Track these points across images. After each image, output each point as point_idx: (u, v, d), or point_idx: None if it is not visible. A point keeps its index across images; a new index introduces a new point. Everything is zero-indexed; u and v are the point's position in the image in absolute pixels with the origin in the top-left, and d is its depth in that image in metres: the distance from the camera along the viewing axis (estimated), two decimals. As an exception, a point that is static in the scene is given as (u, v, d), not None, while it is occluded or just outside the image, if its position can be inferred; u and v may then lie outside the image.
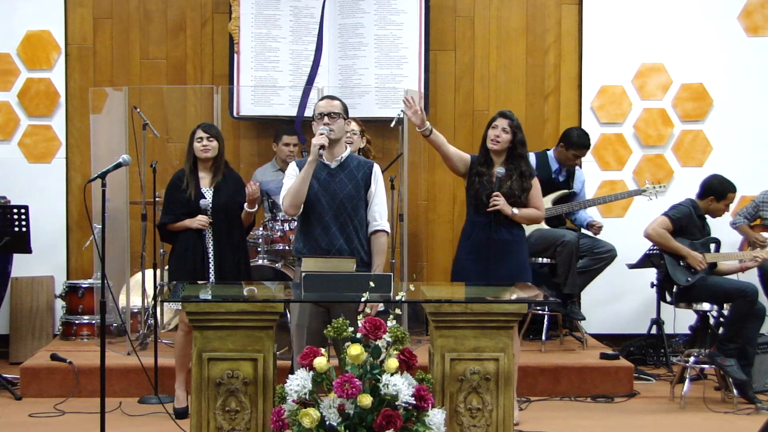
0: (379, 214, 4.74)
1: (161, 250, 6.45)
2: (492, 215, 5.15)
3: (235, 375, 3.91)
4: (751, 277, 6.55)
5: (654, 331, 6.97)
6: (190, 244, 5.42)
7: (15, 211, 6.15)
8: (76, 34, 7.39)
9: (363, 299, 3.92)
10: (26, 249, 6.24)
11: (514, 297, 4.61)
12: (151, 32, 7.44)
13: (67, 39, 7.38)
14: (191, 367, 4.01)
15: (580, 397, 6.13)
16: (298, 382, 3.70)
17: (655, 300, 6.85)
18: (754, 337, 5.95)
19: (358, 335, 3.76)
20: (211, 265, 5.43)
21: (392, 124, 5.65)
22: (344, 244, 4.63)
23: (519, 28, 7.56)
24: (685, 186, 6.79)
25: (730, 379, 5.87)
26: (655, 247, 6.42)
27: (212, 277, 5.40)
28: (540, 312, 6.66)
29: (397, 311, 3.89)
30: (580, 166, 7.04)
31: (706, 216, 6.22)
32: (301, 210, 4.66)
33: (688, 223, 6.10)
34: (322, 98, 4.84)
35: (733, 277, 6.27)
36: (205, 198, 5.44)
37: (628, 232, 6.96)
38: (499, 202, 5.12)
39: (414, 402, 3.68)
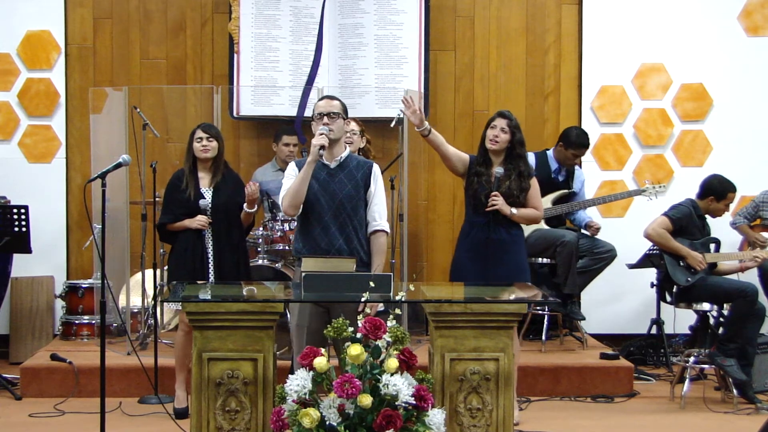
0: (379, 214, 4.74)
1: (161, 250, 6.45)
2: (490, 215, 5.15)
3: (235, 375, 3.91)
4: (751, 277, 6.55)
5: (654, 331, 6.98)
6: (190, 245, 5.42)
7: (15, 211, 6.15)
8: (76, 34, 7.39)
9: (363, 299, 3.92)
10: (26, 249, 6.24)
11: (513, 297, 4.62)
12: (151, 32, 7.44)
13: (67, 39, 7.38)
14: (191, 367, 4.01)
15: (580, 397, 6.13)
16: (298, 382, 3.70)
17: (655, 300, 6.85)
18: (754, 337, 5.95)
19: (358, 335, 3.76)
20: (210, 266, 5.43)
21: (392, 124, 5.65)
22: (343, 244, 4.63)
23: (519, 28, 7.56)
24: (685, 186, 6.79)
25: (730, 379, 5.87)
26: (655, 247, 6.42)
27: (212, 277, 5.39)
28: (540, 312, 6.67)
29: (397, 311, 3.89)
30: (580, 166, 7.05)
31: (706, 216, 6.22)
32: (301, 210, 4.66)
33: (688, 223, 6.10)
34: (322, 98, 4.84)
35: (733, 277, 6.27)
36: (205, 198, 5.44)
37: (628, 232, 6.96)
38: (498, 202, 5.12)
39: (414, 402, 3.68)
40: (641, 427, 5.56)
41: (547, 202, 6.52)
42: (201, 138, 5.44)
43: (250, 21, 7.27)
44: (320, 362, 3.72)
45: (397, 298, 3.92)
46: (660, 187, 6.73)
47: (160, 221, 5.53)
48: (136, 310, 6.78)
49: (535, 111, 7.55)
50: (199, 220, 5.41)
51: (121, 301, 6.69)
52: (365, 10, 7.32)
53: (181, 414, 5.39)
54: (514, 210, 5.17)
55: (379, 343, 3.75)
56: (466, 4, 7.55)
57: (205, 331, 3.92)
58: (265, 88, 7.27)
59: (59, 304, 7.05)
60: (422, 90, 7.20)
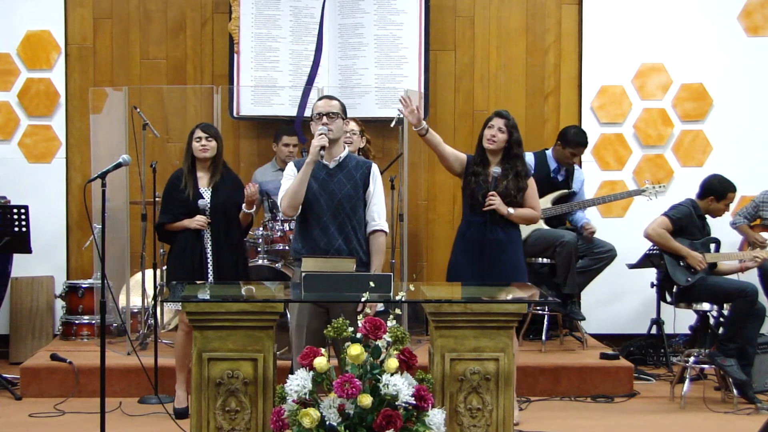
0: (378, 214, 4.74)
1: (161, 250, 6.45)
2: (487, 215, 5.15)
3: (235, 375, 3.91)
4: (751, 277, 6.54)
5: (654, 331, 6.98)
6: (189, 245, 5.42)
7: (15, 211, 6.15)
8: (76, 34, 7.39)
9: (363, 299, 3.91)
10: (26, 249, 6.24)
11: (513, 297, 4.61)
12: (151, 32, 7.44)
13: (67, 39, 7.38)
14: (191, 367, 4.01)
15: (580, 397, 6.13)
16: (298, 382, 3.70)
17: (655, 300, 6.85)
18: (754, 337, 5.95)
19: (358, 335, 3.76)
20: (209, 266, 5.43)
21: (392, 124, 5.65)
22: (343, 244, 4.63)
23: (519, 28, 7.56)
24: (685, 186, 6.79)
25: (730, 379, 5.87)
26: (655, 247, 6.42)
27: (210, 277, 5.39)
28: (540, 312, 6.67)
29: (397, 311, 3.89)
30: (580, 166, 7.05)
31: (706, 216, 6.22)
32: (300, 210, 4.66)
33: (688, 223, 6.10)
34: (321, 98, 4.84)
35: (733, 277, 6.27)
36: (204, 198, 5.43)
37: (628, 232, 6.96)
38: (495, 201, 5.12)
39: (414, 402, 3.68)
40: (641, 427, 5.56)
41: (546, 202, 6.52)
42: (200, 138, 5.44)
43: (250, 21, 7.27)
44: (320, 362, 3.72)
45: (397, 298, 3.92)
46: (660, 187, 6.73)
47: (159, 221, 5.53)
48: (136, 310, 6.78)
49: (535, 111, 7.55)
50: (198, 220, 5.41)
51: (121, 301, 6.69)
52: (365, 10, 7.32)
53: (181, 414, 5.39)
54: (511, 210, 5.17)
55: (379, 343, 3.75)
56: (466, 4, 7.55)
57: (205, 331, 3.92)
58: (265, 88, 7.27)
59: (59, 304, 7.05)
60: (422, 90, 7.20)
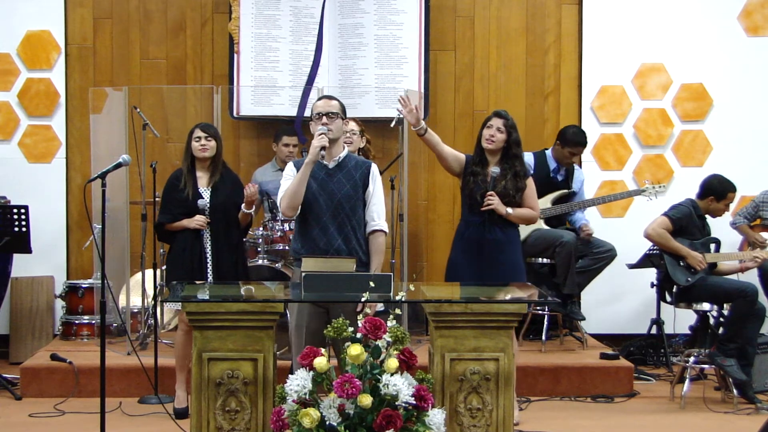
0: (377, 214, 4.74)
1: (161, 250, 6.45)
2: (486, 215, 5.15)
3: (235, 375, 3.91)
4: (751, 277, 6.54)
5: (654, 331, 6.98)
6: (188, 244, 5.42)
7: (15, 211, 6.15)
8: (76, 34, 7.39)
9: (363, 299, 3.91)
10: (26, 249, 6.24)
11: (513, 297, 4.61)
12: (151, 32, 7.44)
13: (67, 39, 7.38)
14: (191, 367, 4.01)
15: (580, 397, 6.13)
16: (298, 382, 3.70)
17: (655, 300, 6.85)
18: (754, 337, 5.95)
19: (358, 335, 3.76)
20: (208, 265, 5.43)
21: (392, 124, 5.65)
22: (342, 244, 4.63)
23: (519, 28, 7.56)
24: (685, 186, 6.79)
25: (730, 379, 5.87)
26: (655, 247, 6.42)
27: (210, 277, 5.39)
28: (540, 312, 6.67)
29: (397, 311, 3.89)
30: (580, 166, 7.05)
31: (706, 216, 6.22)
32: (299, 210, 4.66)
33: (688, 223, 6.10)
34: (320, 98, 4.84)
35: (733, 277, 6.27)
36: (203, 198, 5.43)
37: (628, 232, 6.96)
38: (493, 201, 5.12)
39: (414, 402, 3.68)
40: (641, 427, 5.56)
41: (546, 202, 6.52)
42: (199, 137, 5.44)
43: (250, 21, 7.27)
44: (320, 362, 3.72)
45: (397, 298, 3.92)
46: (660, 187, 6.73)
47: (158, 221, 5.53)
48: (136, 310, 6.78)
49: (535, 111, 7.55)
50: (198, 220, 5.41)
51: (121, 301, 6.69)
52: (365, 10, 7.32)
53: (181, 414, 5.39)
54: (509, 210, 5.17)
55: (379, 343, 3.75)
56: (466, 4, 7.55)
57: (205, 331, 3.92)
58: (265, 88, 7.27)
59: (59, 304, 7.05)
60: (422, 90, 7.20)
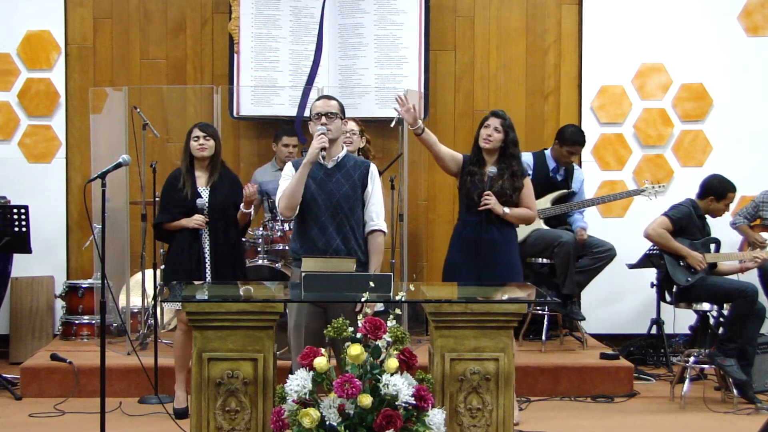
0: (376, 213, 4.74)
1: (161, 250, 6.44)
2: (483, 214, 5.15)
3: (235, 375, 3.90)
4: (751, 277, 6.54)
5: (654, 331, 6.98)
6: (186, 244, 5.42)
7: (15, 211, 6.15)
8: (76, 34, 7.40)
9: (363, 299, 3.91)
10: (26, 249, 6.24)
11: (513, 297, 4.61)
12: (151, 32, 7.44)
13: (67, 39, 7.38)
14: (191, 367, 4.01)
15: (580, 397, 6.13)
16: (298, 382, 3.70)
17: (655, 300, 6.85)
18: (754, 337, 5.95)
19: (358, 335, 3.76)
20: (207, 265, 5.43)
21: (392, 124, 5.65)
22: (341, 244, 4.63)
23: (519, 28, 7.56)
24: (685, 186, 6.79)
25: (730, 379, 5.87)
26: (655, 247, 6.42)
27: (208, 277, 5.39)
28: (540, 312, 6.67)
29: (397, 311, 3.89)
30: (580, 166, 7.05)
31: (706, 216, 6.22)
32: (298, 211, 4.65)
33: (688, 223, 6.10)
34: (319, 98, 4.83)
35: (733, 277, 6.27)
36: (202, 197, 5.44)
37: (628, 232, 6.96)
38: (490, 201, 5.12)
39: (414, 402, 3.68)
40: (641, 427, 5.56)
41: (546, 202, 6.53)
42: (198, 137, 5.45)
43: (250, 21, 7.27)
44: (320, 362, 3.72)
45: (397, 298, 3.92)
46: (659, 186, 6.73)
47: (157, 220, 5.53)
48: (136, 310, 6.78)
49: (535, 111, 7.55)
50: (196, 220, 5.41)
51: (121, 301, 6.69)
52: (365, 10, 7.32)
53: (181, 414, 5.39)
54: (506, 209, 5.17)
55: (379, 343, 3.75)
56: (466, 4, 7.55)
57: (205, 331, 3.92)
58: (265, 88, 7.27)
59: (59, 304, 7.05)
60: (422, 90, 7.20)
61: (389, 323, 3.80)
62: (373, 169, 4.79)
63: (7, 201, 6.60)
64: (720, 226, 6.57)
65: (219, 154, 5.53)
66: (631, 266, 6.93)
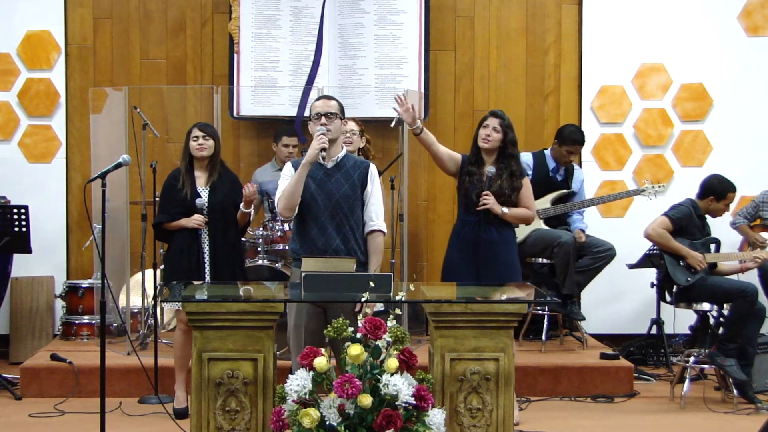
0: (376, 214, 4.73)
1: (161, 250, 6.44)
2: (482, 214, 5.16)
3: (235, 375, 3.90)
4: (751, 277, 6.54)
5: (654, 331, 6.97)
6: (186, 244, 5.42)
7: (15, 211, 6.15)
8: (76, 34, 7.40)
9: (363, 299, 3.91)
10: (26, 249, 6.24)
11: (513, 297, 4.61)
12: (151, 32, 7.44)
13: (67, 39, 7.38)
14: (191, 367, 4.01)
15: (580, 397, 6.13)
16: (298, 382, 3.70)
17: (655, 300, 6.85)
18: (754, 337, 5.95)
19: (358, 335, 3.76)
20: (206, 265, 5.43)
21: (392, 124, 5.65)
22: (341, 244, 4.62)
23: (519, 28, 7.56)
24: (685, 186, 6.79)
25: (730, 379, 5.87)
26: (655, 247, 6.42)
27: (207, 277, 5.39)
28: (540, 312, 6.66)
29: (397, 311, 3.89)
30: (580, 166, 7.05)
31: (706, 216, 6.22)
32: (297, 211, 4.65)
33: (688, 223, 6.10)
34: (319, 98, 4.83)
35: (733, 277, 6.27)
36: (201, 197, 5.44)
37: (628, 232, 6.96)
38: (489, 201, 5.13)
39: (414, 402, 3.68)
40: (641, 427, 5.56)
41: (546, 202, 6.53)
42: (197, 137, 5.45)
43: (250, 21, 7.27)
44: (320, 362, 3.72)
45: (397, 298, 3.92)
46: (659, 186, 6.73)
47: (157, 220, 5.53)
48: (136, 310, 6.78)
49: (535, 111, 7.55)
50: (196, 220, 5.41)
51: (121, 301, 6.69)
52: (365, 10, 7.32)
53: (181, 414, 5.39)
54: (505, 209, 5.17)
55: (379, 343, 3.75)
56: (466, 4, 7.55)
57: (205, 331, 3.92)
58: (265, 88, 7.27)
59: (59, 304, 7.05)
60: (422, 90, 7.20)
61: (389, 323, 3.80)
62: (373, 169, 4.79)
63: (7, 201, 6.60)
64: (720, 226, 6.57)
65: (218, 154, 5.53)
66: (631, 266, 6.93)
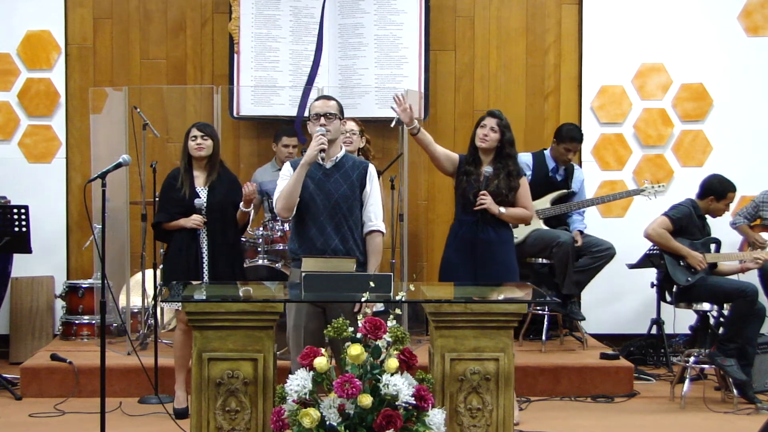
0: (375, 214, 4.73)
1: (161, 250, 6.44)
2: (479, 214, 5.16)
3: (235, 375, 3.91)
4: (751, 277, 6.54)
5: (654, 331, 6.97)
6: (184, 244, 5.42)
7: (15, 211, 6.15)
8: (76, 34, 7.40)
9: (363, 299, 3.91)
10: (26, 249, 6.24)
11: (513, 297, 4.61)
12: (151, 32, 7.44)
13: (67, 39, 7.38)
14: (191, 367, 4.01)
15: (580, 397, 6.13)
16: (298, 382, 3.70)
17: (655, 300, 6.85)
18: (754, 337, 5.95)
19: (358, 335, 3.76)
20: (204, 265, 5.42)
21: (392, 124, 5.65)
22: (339, 245, 4.62)
23: (519, 28, 7.56)
24: (685, 186, 6.79)
25: (730, 379, 5.87)
26: (655, 247, 6.42)
27: (205, 277, 5.38)
28: (540, 312, 6.66)
29: (397, 311, 3.89)
30: (580, 165, 7.05)
31: (706, 216, 6.22)
32: (295, 211, 4.65)
33: (688, 223, 6.10)
34: (318, 98, 4.83)
35: (734, 277, 6.27)
36: (200, 197, 5.44)
37: (628, 232, 6.96)
38: (486, 200, 5.13)
39: (414, 402, 3.68)
40: (641, 427, 5.56)
41: (545, 202, 6.53)
42: (196, 137, 5.45)
43: (250, 21, 7.27)
44: (320, 362, 3.72)
45: (397, 298, 3.92)
46: (659, 186, 6.72)
47: (156, 220, 5.53)
48: (136, 310, 6.78)
49: (535, 111, 7.55)
50: (195, 220, 5.41)
51: (121, 301, 6.69)
52: (365, 10, 7.32)
53: (181, 414, 5.39)
54: (502, 209, 5.17)
55: (379, 343, 3.75)
56: (466, 4, 7.55)
57: (205, 331, 3.92)
58: (265, 88, 7.27)
59: (59, 304, 7.05)
60: (422, 90, 7.20)
61: (389, 323, 3.81)
62: (372, 169, 4.79)
63: (7, 201, 6.60)
64: (720, 226, 6.57)
65: (217, 153, 5.53)
66: (631, 266, 6.93)
